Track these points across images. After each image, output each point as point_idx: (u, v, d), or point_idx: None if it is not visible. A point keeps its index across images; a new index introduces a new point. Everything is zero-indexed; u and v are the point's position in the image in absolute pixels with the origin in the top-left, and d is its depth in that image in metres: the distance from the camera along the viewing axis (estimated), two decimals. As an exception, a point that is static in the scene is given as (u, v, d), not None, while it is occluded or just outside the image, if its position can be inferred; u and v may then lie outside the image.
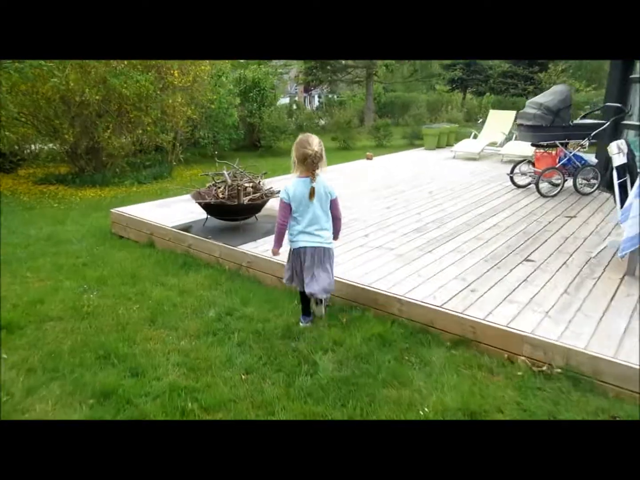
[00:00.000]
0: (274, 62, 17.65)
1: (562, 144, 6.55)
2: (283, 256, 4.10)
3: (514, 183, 7.21)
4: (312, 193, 3.08)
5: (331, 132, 17.03)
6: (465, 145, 10.34)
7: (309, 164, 3.03)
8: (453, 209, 5.90)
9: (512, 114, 11.17)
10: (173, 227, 5.11)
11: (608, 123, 6.43)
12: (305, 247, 3.19)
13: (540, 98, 6.50)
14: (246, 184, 4.87)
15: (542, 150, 6.75)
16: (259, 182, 5.07)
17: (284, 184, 3.27)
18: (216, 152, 8.95)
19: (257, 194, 4.91)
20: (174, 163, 10.26)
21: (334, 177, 8.02)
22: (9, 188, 8.86)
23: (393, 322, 3.35)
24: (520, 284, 3.61)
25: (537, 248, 4.45)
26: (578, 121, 6.64)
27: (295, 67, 21.92)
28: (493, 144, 10.51)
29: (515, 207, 6.00)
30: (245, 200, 4.69)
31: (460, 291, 3.48)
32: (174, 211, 5.77)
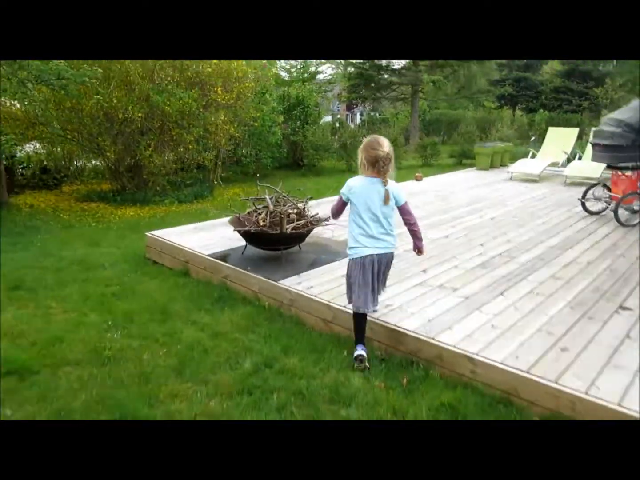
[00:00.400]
0: (318, 79, 17.43)
1: (645, 167, 5.78)
2: (327, 294, 3.64)
3: (585, 209, 6.45)
4: (387, 197, 2.95)
5: (375, 150, 16.60)
6: (524, 166, 9.59)
7: (380, 167, 2.92)
8: (521, 239, 5.22)
9: (574, 131, 10.36)
10: (209, 255, 4.69)
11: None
12: (371, 255, 3.04)
13: (619, 114, 5.77)
14: (289, 210, 4.40)
15: (620, 173, 5.99)
16: (304, 207, 4.59)
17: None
18: (258, 173, 8.56)
19: (302, 222, 4.43)
20: (215, 182, 10.00)
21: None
22: (51, 205, 8.77)
23: (465, 387, 2.74)
24: (622, 342, 2.94)
25: (632, 292, 3.74)
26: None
27: (338, 85, 21.65)
28: (554, 164, 9.71)
29: (593, 238, 5.26)
30: (288, 228, 4.21)
31: (548, 350, 2.84)
32: (212, 236, 5.37)
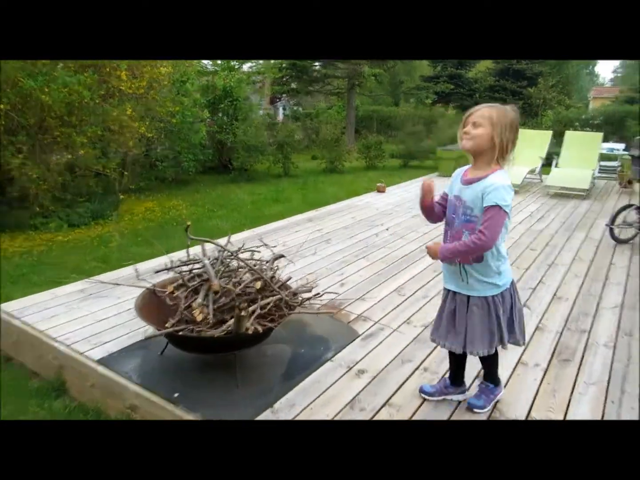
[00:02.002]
0: (246, 68, 15.24)
1: None
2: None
3: (614, 237, 5.07)
4: None
5: (310, 149, 14.77)
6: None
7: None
8: (552, 282, 3.68)
9: (547, 134, 9.20)
10: (101, 359, 2.63)
11: None
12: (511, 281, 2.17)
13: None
14: (251, 285, 2.45)
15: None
16: (273, 274, 2.66)
17: (497, 182, 1.95)
18: (176, 178, 6.40)
19: (270, 300, 2.48)
20: (122, 195, 7.66)
21: (344, 222, 5.67)
22: None
23: None
24: None
25: None
26: None
27: (263, 77, 19.48)
28: (531, 171, 8.46)
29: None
30: (250, 325, 2.25)
31: None
32: (111, 309, 3.28)
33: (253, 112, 11.97)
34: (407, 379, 2.59)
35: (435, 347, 2.88)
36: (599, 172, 8.69)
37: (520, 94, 21.26)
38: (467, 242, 1.98)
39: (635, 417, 2.30)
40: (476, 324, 2.12)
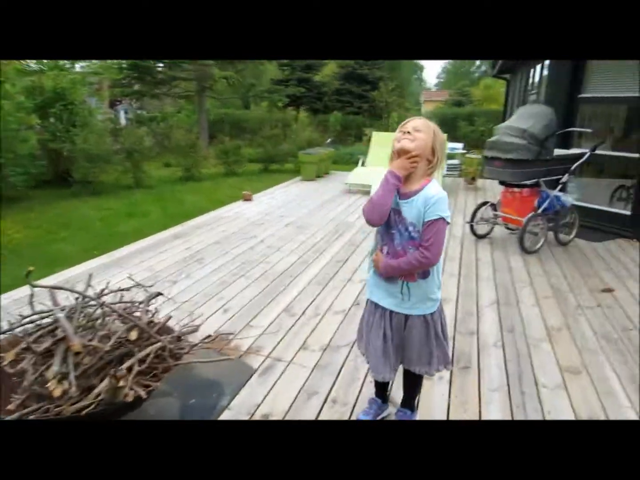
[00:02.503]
0: (79, 67, 13.58)
1: (545, 183, 4.95)
2: None
3: (474, 233, 5.43)
4: None
5: (163, 156, 13.77)
6: (358, 176, 8.42)
7: None
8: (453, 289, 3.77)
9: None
10: None
11: (589, 153, 5.04)
12: None
13: (519, 122, 4.78)
14: (127, 336, 1.95)
15: (515, 191, 5.07)
16: (150, 318, 2.17)
17: (437, 193, 1.85)
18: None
19: (150, 351, 2.01)
20: None
21: (214, 236, 5.25)
22: None
23: None
24: None
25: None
26: (560, 152, 5.09)
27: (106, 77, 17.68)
28: (388, 172, 8.84)
29: (517, 274, 4.13)
30: (128, 390, 1.77)
31: None
32: None
33: (93, 117, 10.69)
34: (317, 414, 2.32)
35: (339, 373, 2.67)
36: (447, 171, 9.42)
37: (365, 97, 22.54)
38: (412, 261, 1.86)
39: (539, 418, 2.33)
40: (415, 344, 1.99)
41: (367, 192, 8.14)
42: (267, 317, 3.36)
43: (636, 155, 5.57)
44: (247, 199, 7.41)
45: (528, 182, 4.81)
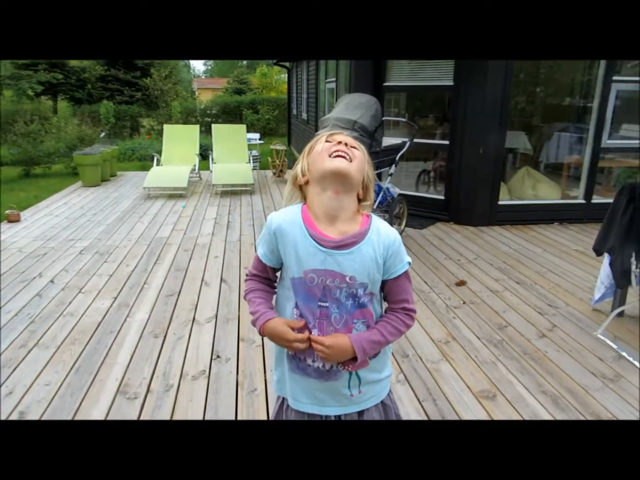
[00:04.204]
0: None
1: (377, 176, 4.74)
2: None
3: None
4: None
5: None
6: (161, 178, 7.21)
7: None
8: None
9: (195, 128, 8.69)
10: None
11: (409, 142, 5.02)
12: None
13: (348, 113, 4.39)
14: None
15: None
16: None
17: (391, 233, 1.33)
18: None
19: None
20: None
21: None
22: None
23: None
24: None
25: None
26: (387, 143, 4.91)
27: None
28: (192, 170, 7.82)
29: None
30: None
31: None
32: None
33: None
34: None
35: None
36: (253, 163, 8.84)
37: (136, 84, 20.34)
38: (400, 328, 1.31)
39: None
40: None
41: (171, 195, 7.05)
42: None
43: (442, 141, 5.85)
44: (13, 219, 5.59)
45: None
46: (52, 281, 3.83)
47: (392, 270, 1.27)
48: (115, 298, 3.52)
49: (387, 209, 4.93)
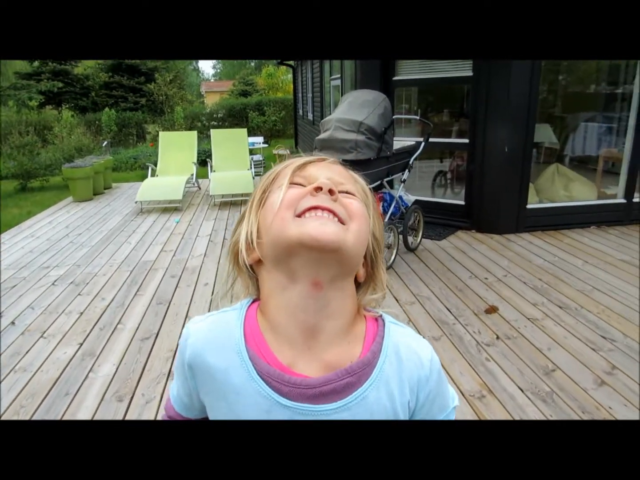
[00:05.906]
0: None
1: (388, 183, 4.13)
2: None
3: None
4: None
5: None
6: (156, 190, 6.69)
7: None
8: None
9: (192, 134, 8.17)
10: None
11: (424, 143, 4.39)
12: None
13: (352, 113, 3.79)
14: None
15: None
16: None
17: (425, 354, 0.73)
18: None
19: None
20: None
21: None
22: None
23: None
24: None
25: None
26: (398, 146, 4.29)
27: None
28: (188, 180, 7.29)
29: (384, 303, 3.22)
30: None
31: None
32: None
33: None
34: None
35: None
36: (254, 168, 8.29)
37: (140, 90, 19.95)
38: None
39: None
40: None
41: (166, 209, 6.52)
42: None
43: (460, 139, 5.22)
44: (-10, 244, 5.11)
45: (372, 186, 3.93)
46: (13, 322, 3.30)
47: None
48: (81, 344, 2.97)
49: (401, 220, 4.32)
